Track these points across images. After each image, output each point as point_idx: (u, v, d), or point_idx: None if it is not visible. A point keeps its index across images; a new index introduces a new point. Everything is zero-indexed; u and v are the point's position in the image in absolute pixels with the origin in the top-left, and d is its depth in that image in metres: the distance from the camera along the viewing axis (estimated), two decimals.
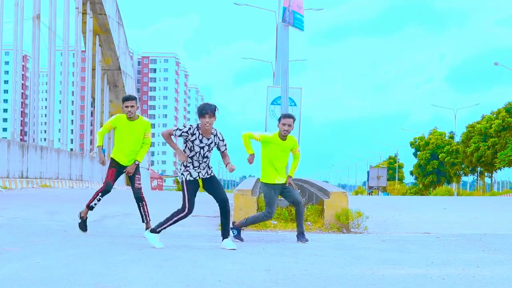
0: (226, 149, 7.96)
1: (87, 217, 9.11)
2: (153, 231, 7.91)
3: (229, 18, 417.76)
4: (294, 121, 8.92)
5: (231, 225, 8.82)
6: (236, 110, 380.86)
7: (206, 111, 7.64)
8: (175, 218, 7.87)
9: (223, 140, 7.92)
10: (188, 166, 7.89)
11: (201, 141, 7.78)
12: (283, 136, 8.89)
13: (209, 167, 7.99)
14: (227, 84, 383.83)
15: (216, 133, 7.87)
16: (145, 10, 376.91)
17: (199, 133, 7.79)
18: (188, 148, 7.81)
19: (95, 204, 9.01)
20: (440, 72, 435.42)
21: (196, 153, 7.81)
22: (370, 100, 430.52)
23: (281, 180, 8.95)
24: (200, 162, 7.89)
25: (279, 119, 8.92)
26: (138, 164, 9.09)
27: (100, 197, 9.01)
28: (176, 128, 7.94)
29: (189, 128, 7.80)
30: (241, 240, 8.88)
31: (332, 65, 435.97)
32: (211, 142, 7.84)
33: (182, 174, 7.94)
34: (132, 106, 8.84)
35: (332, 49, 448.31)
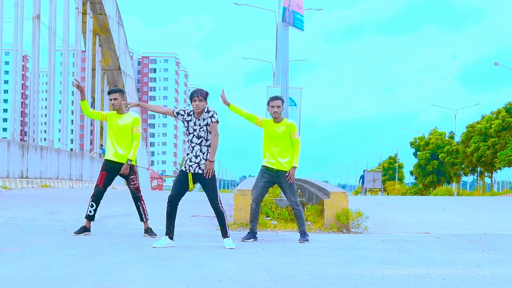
0: (212, 121, 7.96)
1: (90, 226, 9.11)
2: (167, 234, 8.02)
3: (241, 18, 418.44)
4: (283, 103, 8.92)
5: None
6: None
7: (196, 94, 7.94)
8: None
9: (208, 111, 7.98)
10: (187, 156, 8.09)
11: (195, 123, 8.00)
12: (275, 119, 8.89)
13: (203, 155, 7.94)
14: (236, 84, 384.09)
15: (207, 109, 8.01)
16: (158, 10, 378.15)
17: (193, 116, 8.04)
18: (186, 128, 8.07)
19: (91, 212, 8.99)
20: (454, 71, 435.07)
21: (190, 134, 8.02)
22: (380, 100, 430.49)
23: (273, 165, 8.86)
24: (194, 144, 7.96)
25: (268, 103, 8.95)
26: (132, 165, 9.04)
27: (93, 203, 8.98)
28: (177, 109, 8.22)
29: (187, 110, 8.11)
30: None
31: (346, 64, 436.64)
32: (201, 120, 7.98)
33: None
34: (115, 99, 8.92)
35: (347, 48, 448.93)
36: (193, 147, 8.00)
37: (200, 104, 7.92)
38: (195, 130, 7.99)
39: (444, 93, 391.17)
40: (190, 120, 8.02)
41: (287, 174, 8.85)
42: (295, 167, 8.87)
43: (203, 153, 7.97)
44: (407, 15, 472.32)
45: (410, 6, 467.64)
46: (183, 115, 8.07)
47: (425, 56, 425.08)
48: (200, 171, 7.97)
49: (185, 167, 8.02)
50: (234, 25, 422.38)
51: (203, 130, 7.97)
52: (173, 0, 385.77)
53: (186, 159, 8.09)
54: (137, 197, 9.10)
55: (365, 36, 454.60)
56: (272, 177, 8.94)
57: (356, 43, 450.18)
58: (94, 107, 47.52)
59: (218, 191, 8.09)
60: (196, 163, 7.97)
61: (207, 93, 7.99)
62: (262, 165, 9.01)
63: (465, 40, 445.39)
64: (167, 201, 8.02)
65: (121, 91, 9.10)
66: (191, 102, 7.98)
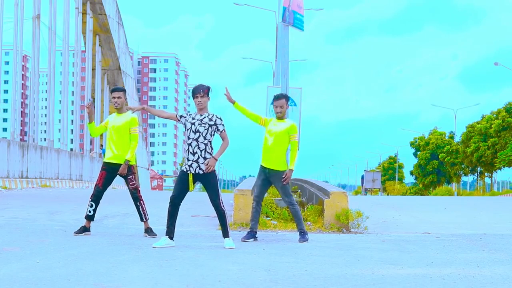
0: (224, 129, 7.96)
1: (90, 226, 9.08)
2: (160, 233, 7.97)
3: (242, 18, 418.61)
4: (287, 100, 8.90)
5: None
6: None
7: (198, 91, 7.90)
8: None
9: (221, 119, 7.97)
10: (187, 157, 8.04)
11: (193, 118, 7.97)
12: (278, 118, 8.91)
13: (201, 153, 7.88)
14: (236, 84, 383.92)
15: (213, 114, 7.98)
16: (158, 10, 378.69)
17: (194, 113, 8.06)
18: (186, 128, 8.02)
19: (90, 212, 8.95)
20: (454, 71, 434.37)
21: (188, 129, 7.96)
22: (380, 100, 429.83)
23: (267, 164, 8.86)
24: (190, 140, 7.91)
25: (272, 102, 8.96)
26: (130, 166, 9.04)
27: (92, 203, 8.94)
28: (180, 112, 8.23)
29: (191, 114, 8.08)
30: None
31: (346, 64, 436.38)
32: (204, 117, 7.93)
33: None
34: (119, 97, 8.94)
35: (348, 48, 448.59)
36: (190, 144, 7.92)
37: (203, 100, 7.90)
38: (193, 124, 7.91)
39: (445, 93, 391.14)
40: (189, 117, 8.00)
41: (283, 176, 8.82)
42: (291, 170, 8.83)
43: (201, 150, 7.88)
44: (408, 15, 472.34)
45: (410, 6, 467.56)
46: (185, 117, 8.04)
47: (426, 56, 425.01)
48: (201, 171, 7.94)
49: (185, 167, 7.99)
50: (234, 25, 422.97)
51: (204, 126, 7.88)
52: (174, 0, 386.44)
53: (185, 158, 8.07)
54: (136, 197, 9.08)
55: (366, 36, 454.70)
56: (266, 176, 8.95)
57: (356, 43, 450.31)
58: (94, 107, 47.45)
59: (219, 190, 8.07)
60: (195, 161, 7.90)
61: (208, 88, 7.95)
62: (260, 164, 9.05)
63: (465, 40, 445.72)
64: (169, 201, 7.99)
65: (124, 91, 9.12)
66: (193, 99, 7.96)
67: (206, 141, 7.92)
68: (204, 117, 7.95)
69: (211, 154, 7.96)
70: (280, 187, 8.88)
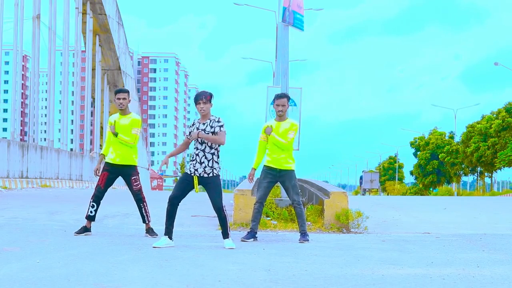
0: (220, 130, 7.91)
1: (90, 226, 9.06)
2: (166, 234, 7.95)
3: (243, 18, 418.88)
4: (288, 100, 8.92)
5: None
6: (245, 111, 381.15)
7: (200, 97, 7.90)
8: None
9: (219, 121, 7.95)
10: (191, 159, 8.08)
11: (197, 128, 7.97)
12: (279, 117, 8.90)
13: (208, 162, 7.90)
14: (237, 84, 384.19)
15: (214, 118, 7.98)
16: (160, 10, 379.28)
17: (197, 121, 8.03)
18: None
19: (92, 212, 8.92)
20: (456, 71, 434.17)
21: (194, 140, 7.96)
22: (381, 100, 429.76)
23: (277, 165, 8.85)
24: (198, 150, 7.93)
25: (273, 101, 8.97)
26: (134, 166, 9.01)
27: (94, 203, 8.92)
28: (185, 132, 8.25)
29: (191, 123, 8.12)
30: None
31: (347, 64, 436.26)
32: (207, 126, 7.93)
33: None
34: (124, 99, 8.88)
35: (349, 48, 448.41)
36: (197, 154, 7.95)
37: (205, 107, 7.90)
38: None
39: (446, 93, 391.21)
40: (193, 128, 7.98)
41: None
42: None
43: (208, 160, 7.92)
44: (410, 15, 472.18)
45: (412, 6, 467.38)
46: (190, 129, 8.06)
47: (427, 56, 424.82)
48: (205, 175, 7.94)
49: (190, 170, 7.99)
50: (235, 25, 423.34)
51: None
52: (176, 0, 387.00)
53: (190, 164, 8.05)
54: (139, 199, 9.04)
55: (367, 36, 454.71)
56: (275, 177, 8.94)
57: (357, 43, 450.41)
58: (94, 106, 47.48)
59: (222, 194, 8.05)
60: (202, 169, 7.94)
61: (211, 95, 7.96)
62: (264, 165, 9.00)
63: (467, 40, 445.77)
64: (167, 200, 8.00)
65: (128, 92, 9.09)
66: (196, 105, 7.97)
67: (213, 150, 7.94)
68: (207, 126, 7.94)
69: (218, 163, 8.00)
70: (291, 186, 8.89)
